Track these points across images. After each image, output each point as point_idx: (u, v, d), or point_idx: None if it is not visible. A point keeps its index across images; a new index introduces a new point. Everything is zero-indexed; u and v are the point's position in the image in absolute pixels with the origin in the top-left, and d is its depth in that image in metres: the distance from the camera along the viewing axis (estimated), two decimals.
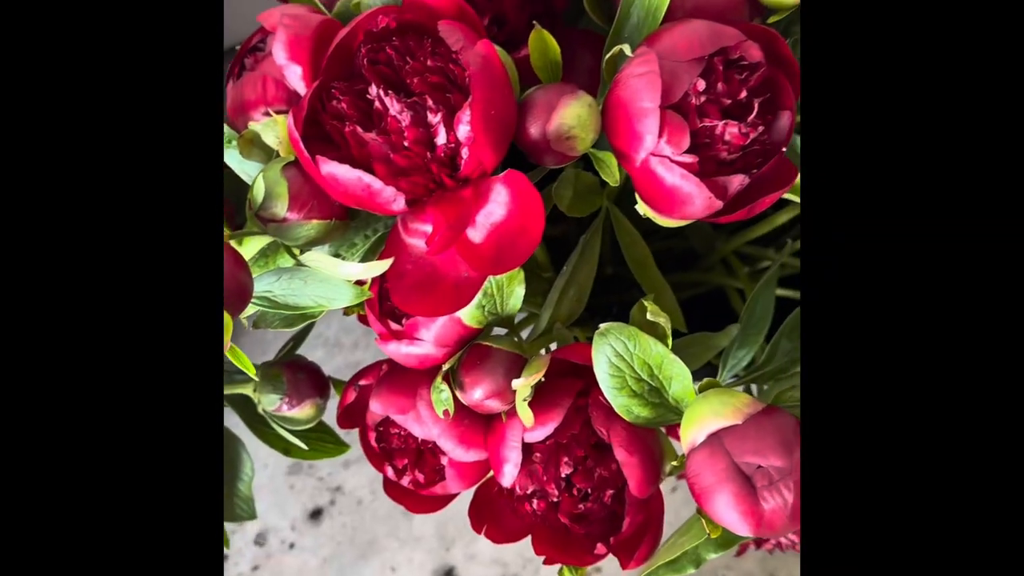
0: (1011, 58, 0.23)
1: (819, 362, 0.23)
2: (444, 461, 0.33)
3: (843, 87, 0.24)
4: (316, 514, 0.63)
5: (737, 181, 0.29)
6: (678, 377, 0.30)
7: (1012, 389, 0.22)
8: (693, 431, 0.28)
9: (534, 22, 0.27)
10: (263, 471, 0.63)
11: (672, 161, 0.28)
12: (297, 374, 0.38)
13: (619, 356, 0.29)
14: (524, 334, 0.39)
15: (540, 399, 0.31)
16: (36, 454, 0.23)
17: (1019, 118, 0.23)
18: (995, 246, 0.23)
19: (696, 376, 0.42)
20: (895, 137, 0.24)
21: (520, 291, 0.30)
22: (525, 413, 0.29)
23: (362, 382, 0.35)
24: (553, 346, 0.34)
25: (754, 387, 0.43)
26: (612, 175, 0.29)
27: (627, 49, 0.28)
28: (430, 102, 0.26)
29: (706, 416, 0.28)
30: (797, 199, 0.34)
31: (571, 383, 0.31)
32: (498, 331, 0.35)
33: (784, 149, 0.30)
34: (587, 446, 0.31)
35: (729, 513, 0.26)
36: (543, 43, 0.28)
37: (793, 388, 0.31)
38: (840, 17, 0.24)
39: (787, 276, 0.48)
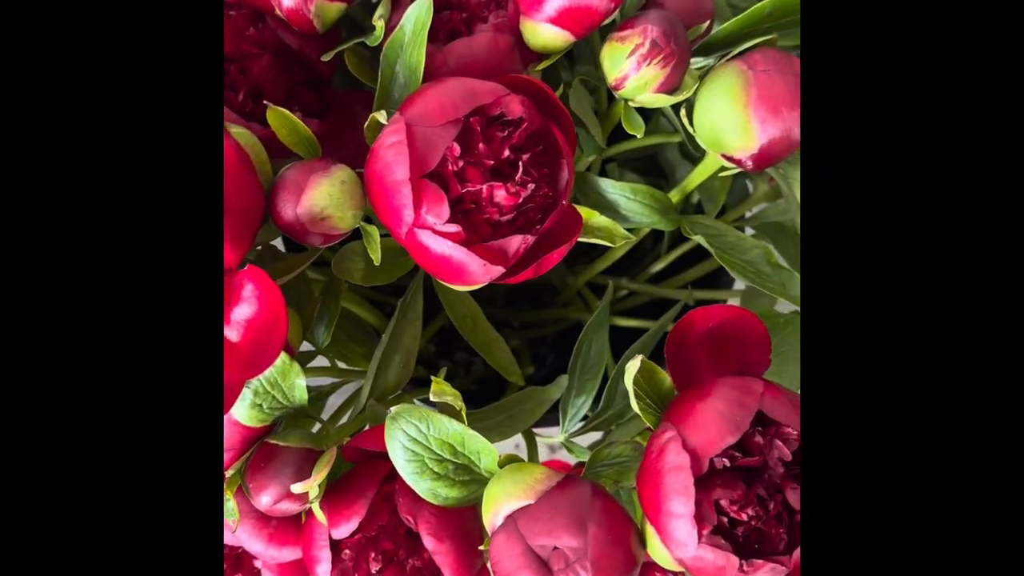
0: None
1: (817, 272, 0.23)
2: (258, 563, 0.31)
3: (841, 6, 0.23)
4: None
5: (516, 242, 0.27)
6: (484, 451, 0.28)
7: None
8: (491, 514, 0.26)
9: (266, 102, 0.25)
10: None
11: (435, 232, 0.26)
12: None
13: (413, 440, 0.27)
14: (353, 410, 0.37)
15: (343, 490, 0.29)
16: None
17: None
18: (994, 154, 0.22)
19: (542, 424, 0.40)
20: (896, 44, 0.23)
21: (301, 382, 0.28)
22: (319, 515, 0.27)
23: None
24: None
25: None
26: (375, 252, 0.27)
27: (382, 117, 0.27)
28: None
29: (500, 497, 0.26)
30: (605, 243, 0.32)
31: (375, 468, 0.29)
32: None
33: (565, 201, 0.28)
34: (397, 536, 0.29)
35: None
36: (287, 120, 0.26)
37: (610, 444, 0.30)
38: None
39: (637, 306, 0.47)
